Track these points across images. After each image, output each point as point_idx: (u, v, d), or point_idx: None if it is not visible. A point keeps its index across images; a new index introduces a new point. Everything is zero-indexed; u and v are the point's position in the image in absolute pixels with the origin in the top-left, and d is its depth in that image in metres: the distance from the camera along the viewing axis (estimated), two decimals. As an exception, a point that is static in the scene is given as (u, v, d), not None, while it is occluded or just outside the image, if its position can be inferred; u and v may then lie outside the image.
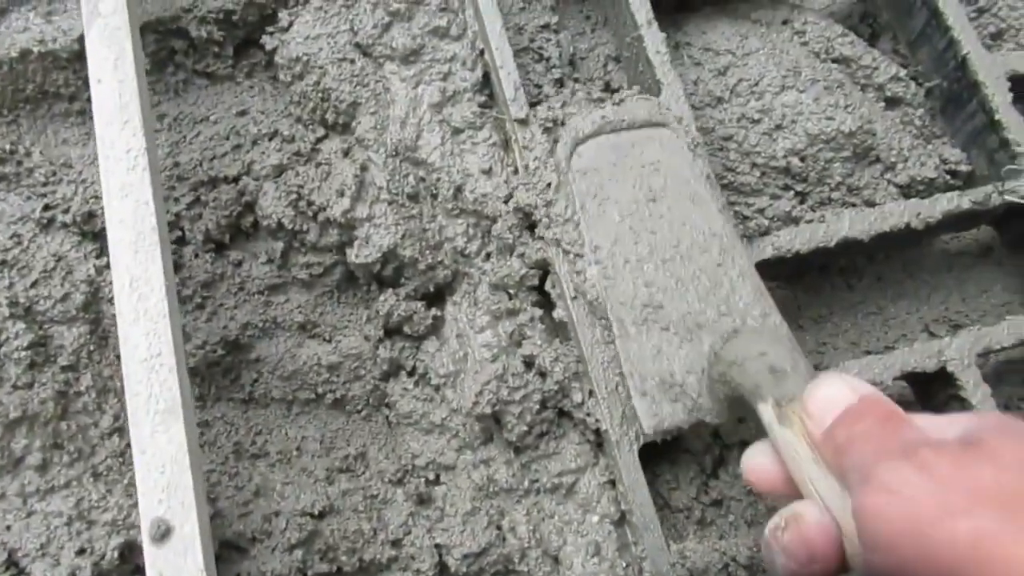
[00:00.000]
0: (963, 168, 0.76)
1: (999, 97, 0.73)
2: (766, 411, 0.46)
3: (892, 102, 0.78)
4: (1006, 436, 0.35)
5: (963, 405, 0.64)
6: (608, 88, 0.77)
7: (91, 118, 0.77)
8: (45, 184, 0.72)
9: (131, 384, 0.56)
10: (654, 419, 0.57)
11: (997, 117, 0.73)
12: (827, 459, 0.41)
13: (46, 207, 0.70)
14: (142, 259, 0.59)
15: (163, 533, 0.52)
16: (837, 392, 0.42)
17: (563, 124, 0.67)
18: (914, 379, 0.66)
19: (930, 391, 0.68)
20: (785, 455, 0.43)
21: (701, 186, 0.64)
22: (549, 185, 0.64)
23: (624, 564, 0.58)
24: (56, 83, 0.76)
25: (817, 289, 0.76)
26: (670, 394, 0.57)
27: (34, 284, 0.65)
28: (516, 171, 0.69)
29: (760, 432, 0.46)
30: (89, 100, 0.76)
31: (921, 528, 0.33)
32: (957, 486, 0.33)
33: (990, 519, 0.32)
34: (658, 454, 0.62)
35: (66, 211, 0.70)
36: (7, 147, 0.73)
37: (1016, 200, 0.66)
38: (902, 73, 0.79)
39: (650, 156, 0.65)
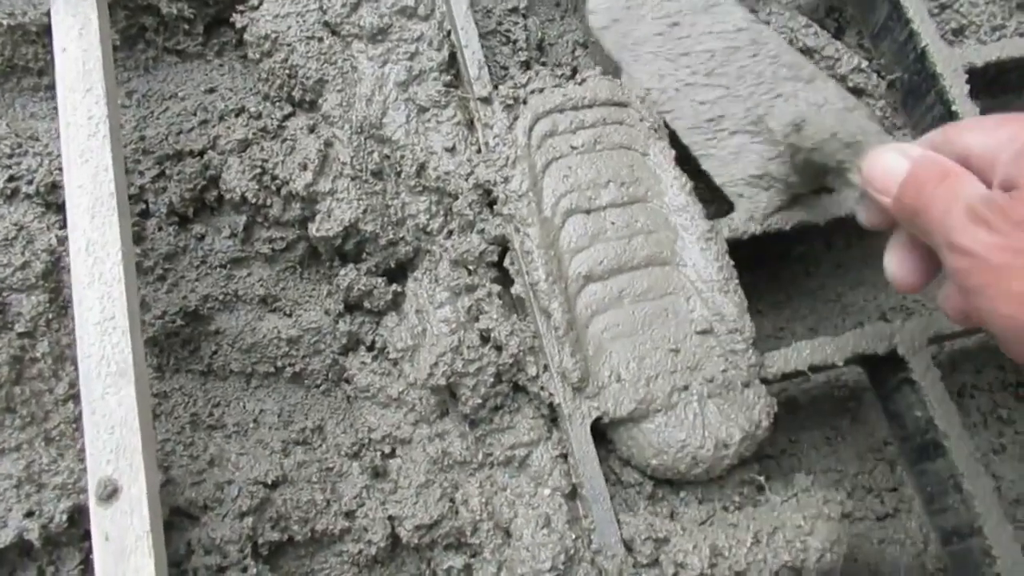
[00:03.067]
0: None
1: (956, 89, 0.74)
2: (857, 178, 0.53)
3: (854, 93, 0.79)
4: None
5: (914, 389, 0.65)
6: (575, 73, 0.78)
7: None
8: (10, 156, 0.72)
9: (83, 346, 0.56)
10: (757, 210, 0.66)
11: (954, 108, 0.74)
12: (904, 224, 0.48)
13: (10, 178, 0.69)
14: (99, 224, 0.59)
15: (110, 493, 0.52)
16: (892, 162, 0.48)
17: (525, 102, 0.68)
18: (866, 361, 0.67)
19: (881, 374, 0.69)
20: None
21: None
22: (507, 160, 0.65)
23: (573, 536, 0.58)
24: (25, 57, 0.76)
25: (776, 275, 0.77)
26: (762, 184, 0.66)
27: (-6, 252, 0.65)
28: (479, 150, 0.69)
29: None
30: (57, 75, 0.77)
31: (997, 271, 0.40)
32: (1015, 230, 0.40)
33: None
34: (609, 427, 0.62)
35: (30, 182, 0.69)
36: (-28, 119, 0.73)
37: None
38: (864, 65, 0.80)
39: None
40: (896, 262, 0.52)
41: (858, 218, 0.54)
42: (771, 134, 0.65)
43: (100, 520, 0.51)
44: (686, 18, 0.70)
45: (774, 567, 0.56)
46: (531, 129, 0.65)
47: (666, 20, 0.70)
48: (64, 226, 0.68)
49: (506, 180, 0.64)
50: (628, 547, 0.58)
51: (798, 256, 0.77)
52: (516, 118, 0.66)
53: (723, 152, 0.67)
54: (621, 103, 0.68)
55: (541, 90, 0.69)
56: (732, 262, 0.64)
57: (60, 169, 0.71)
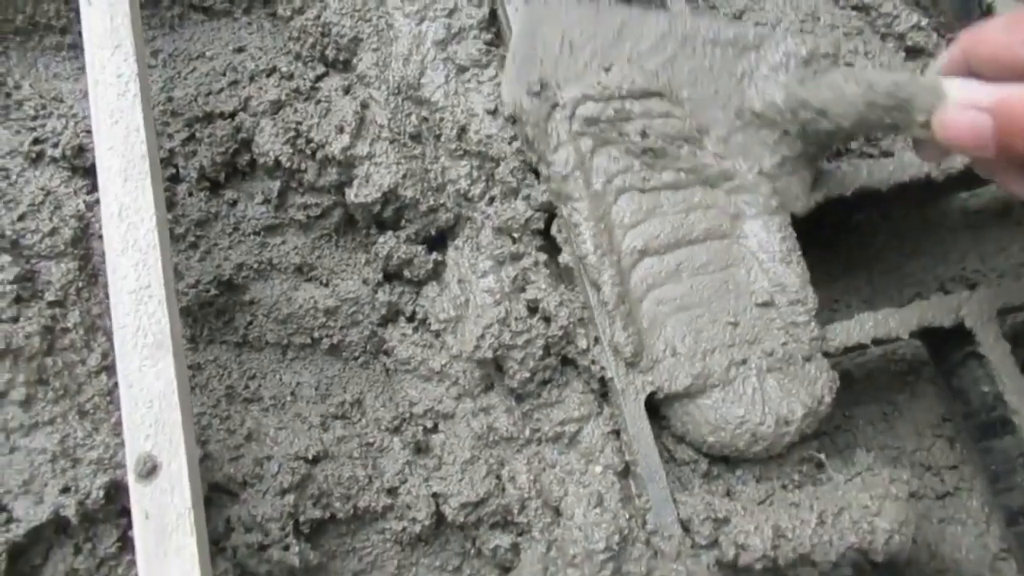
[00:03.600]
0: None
1: None
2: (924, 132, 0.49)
3: (913, 52, 0.76)
4: None
5: (981, 363, 0.62)
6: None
7: (83, 51, 0.75)
8: (35, 118, 0.69)
9: (118, 316, 0.53)
10: (795, 196, 0.62)
11: (1023, 68, 0.70)
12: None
13: (35, 141, 0.67)
14: (131, 188, 0.56)
15: (149, 470, 0.50)
16: (973, 119, 0.46)
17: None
18: (928, 334, 0.64)
19: (944, 348, 0.66)
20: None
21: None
22: (551, 145, 0.61)
23: (627, 516, 0.56)
24: (47, 14, 0.73)
25: (832, 245, 0.74)
26: (784, 170, 0.60)
27: (21, 217, 0.63)
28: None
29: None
30: (81, 33, 0.74)
31: None
32: None
33: None
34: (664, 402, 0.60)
35: (55, 145, 0.67)
36: (-5, 78, 0.70)
37: None
38: (924, 23, 0.76)
39: None
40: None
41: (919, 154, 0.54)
42: (761, 118, 0.59)
43: (140, 498, 0.49)
44: (610, 52, 0.63)
45: (840, 549, 0.53)
46: (572, 116, 0.61)
47: (595, 62, 0.62)
48: (92, 191, 0.66)
49: (550, 163, 0.61)
50: (685, 527, 0.55)
51: (854, 226, 0.74)
52: (554, 105, 0.62)
53: (729, 162, 0.61)
54: (657, 93, 0.63)
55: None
56: (794, 233, 0.61)
57: (87, 131, 0.68)
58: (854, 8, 0.76)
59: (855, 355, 0.69)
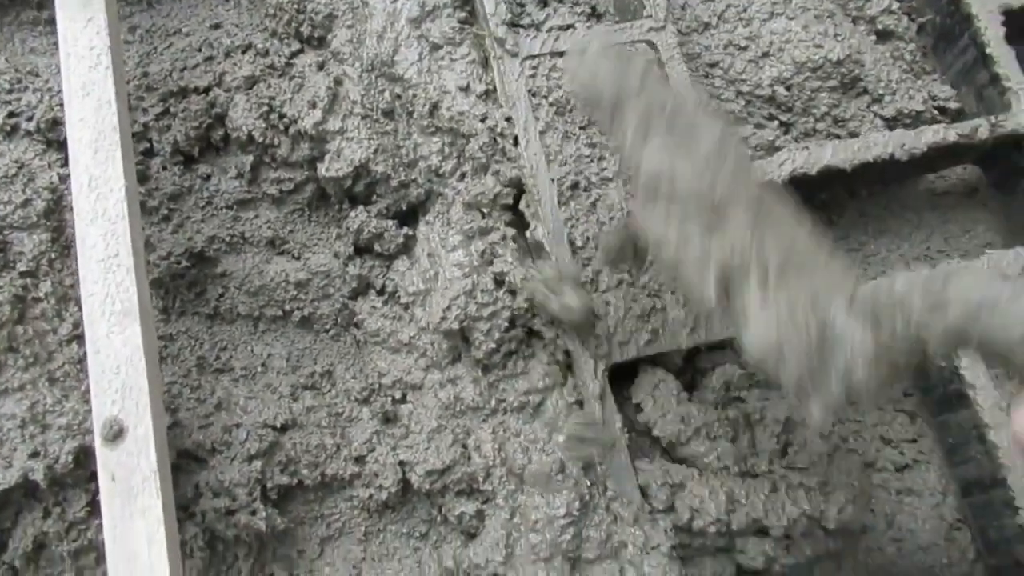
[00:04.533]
0: (952, 105, 0.74)
1: (991, 31, 0.72)
2: None
3: (883, 35, 0.76)
4: None
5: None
6: (594, 11, 0.75)
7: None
8: (10, 92, 0.69)
9: (87, 284, 0.54)
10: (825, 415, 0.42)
11: (988, 51, 0.71)
12: None
13: (10, 114, 0.67)
14: (102, 159, 0.57)
15: (116, 433, 0.51)
16: None
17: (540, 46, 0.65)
18: (891, 311, 0.65)
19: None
20: None
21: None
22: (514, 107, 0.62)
23: (588, 483, 0.57)
24: (23, -11, 0.73)
25: (798, 223, 0.75)
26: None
27: (-6, 189, 0.63)
28: (494, 89, 0.67)
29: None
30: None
31: None
32: None
33: None
34: (627, 376, 0.61)
35: (30, 119, 0.67)
36: (-30, 52, 0.70)
37: None
38: (895, 6, 0.77)
39: None
40: None
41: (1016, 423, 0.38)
42: None
43: (106, 460, 0.50)
44: None
45: (793, 515, 0.55)
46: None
47: None
48: (65, 164, 0.66)
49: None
50: (644, 493, 0.56)
51: (820, 204, 0.75)
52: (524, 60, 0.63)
53: None
54: None
55: (563, 27, 0.66)
56: None
57: (61, 105, 0.68)
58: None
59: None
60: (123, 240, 0.55)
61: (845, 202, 0.75)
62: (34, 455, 0.55)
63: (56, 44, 0.75)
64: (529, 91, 0.65)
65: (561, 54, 0.66)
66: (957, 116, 0.75)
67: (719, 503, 0.54)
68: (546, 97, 0.67)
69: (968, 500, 0.65)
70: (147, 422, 0.51)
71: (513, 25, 0.69)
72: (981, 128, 0.68)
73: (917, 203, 0.76)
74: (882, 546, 0.65)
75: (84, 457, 0.57)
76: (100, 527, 0.57)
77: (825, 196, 0.75)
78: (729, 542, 0.56)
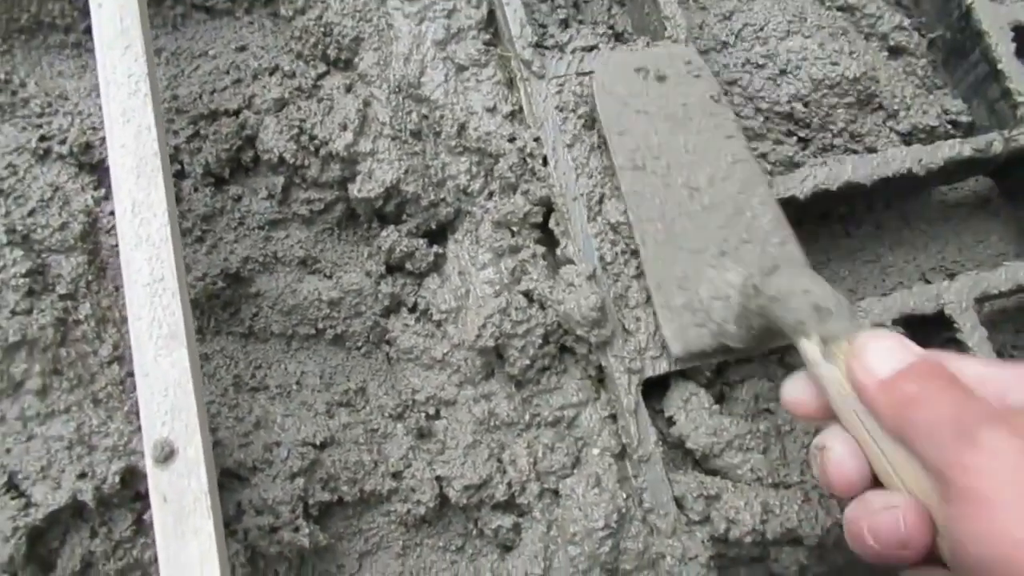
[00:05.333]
0: (964, 119, 0.76)
1: (1002, 47, 0.73)
2: (810, 347, 0.47)
3: (895, 51, 0.78)
4: None
5: (960, 348, 0.65)
6: (613, 31, 0.76)
7: (87, 50, 0.76)
8: (41, 115, 0.71)
9: (133, 308, 0.55)
10: (680, 341, 0.58)
11: (1000, 67, 0.73)
12: (879, 406, 0.42)
13: (42, 138, 0.68)
14: (144, 184, 0.58)
15: (167, 455, 0.52)
16: (896, 346, 0.43)
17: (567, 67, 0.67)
18: (911, 322, 0.67)
19: (926, 335, 0.68)
20: (830, 391, 0.45)
21: (722, 109, 0.65)
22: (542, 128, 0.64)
23: (624, 495, 0.58)
24: (52, 13, 0.74)
25: (816, 236, 0.77)
26: (696, 318, 0.58)
27: (31, 213, 0.64)
28: (520, 109, 0.68)
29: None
30: (85, 31, 0.75)
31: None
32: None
33: None
34: (659, 389, 0.62)
35: (62, 142, 0.68)
36: (1, 77, 0.71)
37: None
38: (906, 23, 0.79)
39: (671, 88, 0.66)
40: (799, 389, 0.48)
41: (784, 394, 0.49)
42: (726, 273, 0.58)
43: (158, 482, 0.51)
44: (691, 124, 0.64)
45: (826, 524, 0.56)
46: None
47: (665, 114, 0.64)
48: (99, 187, 0.68)
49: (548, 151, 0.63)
50: (679, 505, 0.58)
51: (838, 217, 0.77)
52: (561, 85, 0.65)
53: (670, 270, 0.60)
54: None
55: (587, 48, 0.68)
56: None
57: (92, 129, 0.70)
58: (839, 9, 0.79)
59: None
60: (167, 264, 0.56)
61: (862, 216, 0.77)
62: (82, 476, 0.56)
63: (84, 67, 0.77)
64: (556, 107, 0.67)
65: (587, 74, 0.67)
66: (969, 130, 0.76)
67: (754, 513, 0.56)
68: (574, 111, 0.68)
69: (990, 506, 0.66)
70: (196, 443, 0.52)
71: (537, 46, 0.70)
72: (995, 143, 0.70)
73: (931, 215, 0.78)
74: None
75: (130, 477, 0.58)
76: (145, 546, 0.58)
77: (843, 210, 0.76)
78: (763, 551, 0.58)
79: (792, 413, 0.50)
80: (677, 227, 0.61)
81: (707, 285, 0.59)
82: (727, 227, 0.61)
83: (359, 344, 0.69)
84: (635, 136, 0.64)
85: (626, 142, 0.63)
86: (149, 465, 0.52)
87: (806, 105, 0.73)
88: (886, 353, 0.43)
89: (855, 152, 0.74)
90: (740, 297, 0.56)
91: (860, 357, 0.43)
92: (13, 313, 0.60)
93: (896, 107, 0.74)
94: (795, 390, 0.48)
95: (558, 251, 0.64)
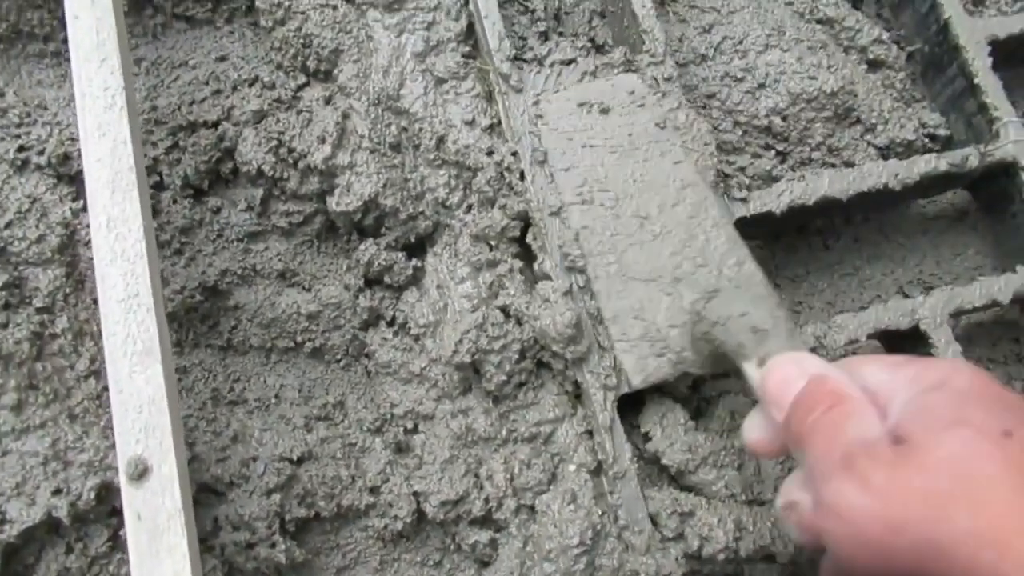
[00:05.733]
0: (941, 132, 0.77)
1: (979, 61, 0.74)
2: (751, 369, 0.48)
3: (874, 64, 0.79)
4: (930, 433, 0.37)
5: (934, 363, 0.66)
6: (593, 43, 0.77)
7: (66, 59, 0.75)
8: (19, 125, 0.70)
9: (108, 324, 0.55)
10: (641, 373, 0.59)
11: (976, 81, 0.73)
12: (791, 445, 0.43)
13: (20, 148, 0.68)
14: (119, 199, 0.58)
15: (140, 472, 0.52)
16: (790, 373, 0.44)
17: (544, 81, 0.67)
18: (887, 337, 0.67)
19: (902, 349, 0.69)
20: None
21: (668, 136, 0.65)
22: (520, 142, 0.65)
23: (600, 512, 0.58)
24: (31, 22, 0.74)
25: (794, 249, 0.77)
26: (655, 348, 0.58)
27: (8, 225, 0.64)
28: (498, 122, 0.68)
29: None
30: (64, 41, 0.75)
31: (868, 544, 0.36)
32: (892, 499, 0.36)
33: (926, 527, 0.35)
34: (635, 405, 0.62)
35: (41, 153, 0.68)
36: (-21, 87, 0.71)
37: None
38: (885, 36, 0.79)
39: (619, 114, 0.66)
40: (756, 426, 0.48)
41: (743, 430, 0.48)
42: (681, 300, 0.58)
43: (132, 500, 0.51)
44: (637, 152, 0.64)
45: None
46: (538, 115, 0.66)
47: (611, 146, 0.64)
48: (77, 198, 0.68)
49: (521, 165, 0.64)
50: (654, 522, 0.58)
51: (816, 229, 0.77)
52: (534, 101, 0.66)
53: (626, 301, 0.60)
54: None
55: (565, 62, 0.68)
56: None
57: (71, 139, 0.70)
58: (818, 22, 0.79)
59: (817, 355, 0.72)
60: (143, 279, 0.56)
61: (840, 229, 0.77)
62: (57, 492, 0.56)
63: (63, 76, 0.77)
64: (533, 118, 0.67)
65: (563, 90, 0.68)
66: (947, 143, 0.77)
67: (728, 531, 0.56)
68: (547, 123, 0.67)
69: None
70: (171, 460, 0.52)
71: (516, 59, 0.70)
72: (971, 157, 0.70)
73: (909, 227, 0.79)
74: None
75: (106, 493, 0.58)
76: (121, 562, 0.58)
77: (821, 223, 0.77)
78: (737, 568, 0.58)
79: (756, 455, 0.50)
80: (629, 258, 0.61)
81: (663, 314, 0.59)
82: (680, 253, 0.61)
83: (338, 357, 0.69)
84: (581, 171, 0.64)
85: (572, 178, 0.63)
86: (123, 483, 0.52)
87: (784, 119, 0.73)
88: (783, 385, 0.44)
89: (833, 166, 0.74)
90: (691, 323, 0.56)
91: (765, 390, 0.45)
92: (-12, 327, 0.60)
93: (874, 121, 0.74)
94: (753, 429, 0.48)
95: (535, 266, 0.64)
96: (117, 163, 0.59)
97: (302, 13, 0.71)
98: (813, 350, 0.63)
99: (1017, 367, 0.75)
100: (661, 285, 0.60)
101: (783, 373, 0.45)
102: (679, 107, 0.67)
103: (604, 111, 0.66)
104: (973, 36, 0.75)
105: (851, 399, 0.41)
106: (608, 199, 0.63)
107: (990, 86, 0.73)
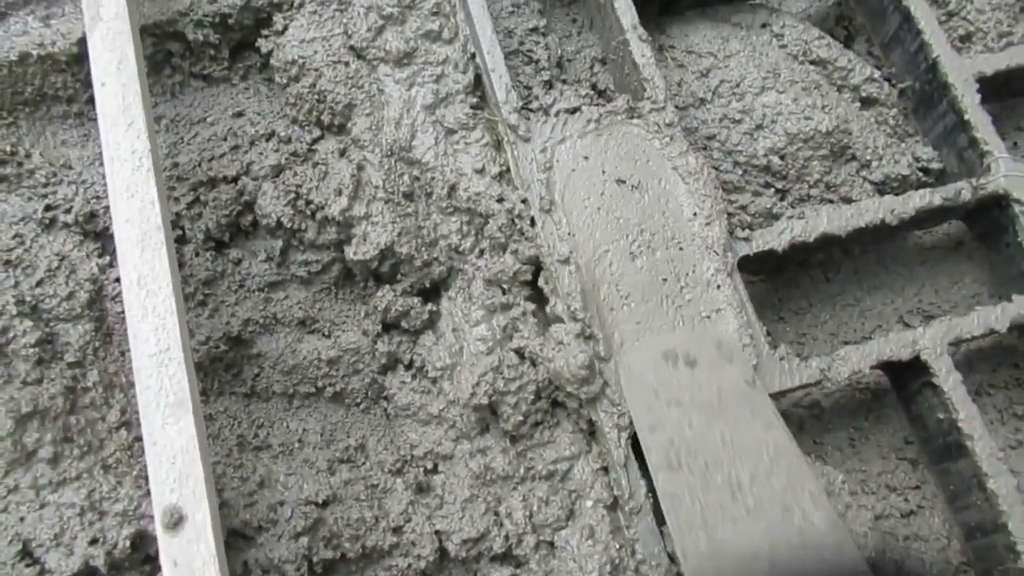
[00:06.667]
0: (935, 166, 0.79)
1: (968, 98, 0.77)
2: None
3: (867, 102, 0.81)
4: None
5: (935, 392, 0.68)
6: (595, 89, 0.80)
7: (89, 119, 0.79)
8: (46, 185, 0.73)
9: (141, 378, 0.58)
10: None
11: (966, 117, 0.76)
12: None
13: (47, 207, 0.71)
14: (149, 257, 0.61)
15: (176, 521, 0.54)
16: None
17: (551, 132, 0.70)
18: (889, 367, 0.69)
19: (904, 378, 0.71)
20: None
21: (758, 396, 0.61)
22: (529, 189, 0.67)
23: (617, 546, 0.60)
24: (55, 86, 0.77)
25: (796, 283, 0.79)
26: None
27: (39, 283, 0.67)
28: (508, 170, 0.71)
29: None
30: (88, 102, 0.78)
31: None
32: None
33: None
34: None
35: (67, 211, 0.71)
36: (7, 149, 0.74)
37: None
38: (876, 74, 0.82)
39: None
40: None
41: None
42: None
43: (168, 547, 0.53)
44: (728, 411, 0.60)
45: None
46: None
47: (703, 400, 0.60)
48: (103, 254, 0.70)
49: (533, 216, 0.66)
50: (671, 558, 0.60)
51: (817, 263, 0.80)
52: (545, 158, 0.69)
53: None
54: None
55: (570, 111, 0.71)
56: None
57: (96, 197, 0.72)
58: (812, 63, 0.82)
59: (822, 386, 0.74)
60: (173, 334, 0.59)
61: (840, 261, 0.80)
62: (94, 542, 0.59)
63: (87, 136, 0.80)
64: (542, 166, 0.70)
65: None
66: (940, 176, 0.79)
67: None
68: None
69: (972, 543, 0.69)
70: (204, 508, 0.55)
71: (523, 108, 0.73)
72: (964, 191, 0.73)
73: (907, 258, 0.81)
74: (892, 590, 0.69)
75: (140, 541, 0.60)
76: (155, 608, 0.60)
77: (821, 257, 0.79)
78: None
79: None
80: (720, 534, 0.55)
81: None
82: (775, 532, 0.55)
83: (358, 401, 0.72)
84: (668, 430, 0.59)
85: (659, 438, 0.59)
86: (159, 531, 0.54)
87: (782, 158, 0.76)
88: None
89: (831, 202, 0.77)
90: None
91: None
92: (24, 383, 0.62)
93: (869, 157, 0.77)
94: None
95: (548, 309, 0.67)
96: (146, 223, 0.62)
97: (315, 70, 0.74)
98: (818, 383, 0.66)
99: (1018, 391, 0.77)
100: (754, 570, 0.54)
101: None
102: (687, 151, 0.70)
103: (690, 363, 0.61)
104: (961, 74, 0.77)
105: None
106: (698, 465, 0.58)
107: (980, 121, 0.76)
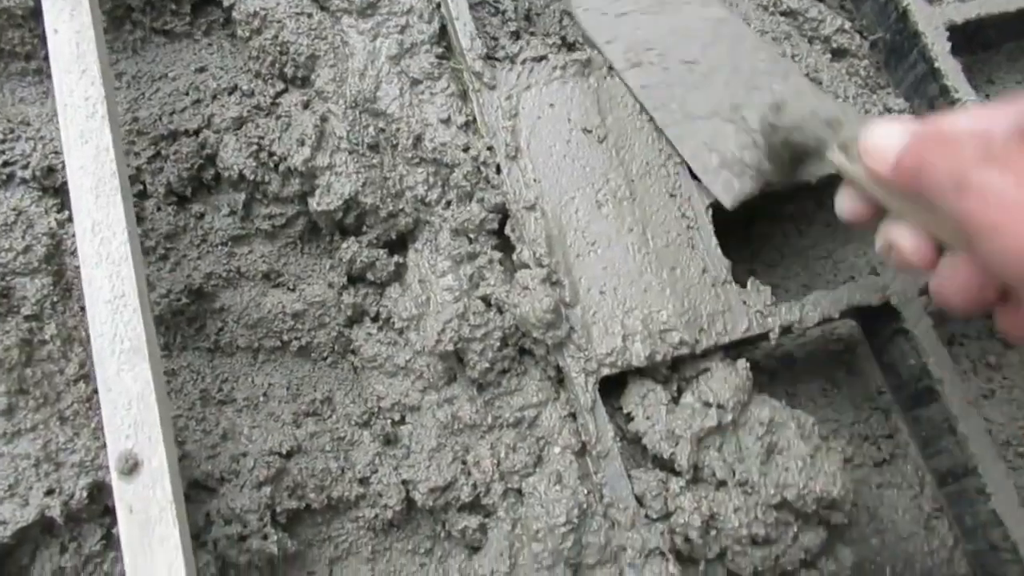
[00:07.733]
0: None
1: (938, 47, 0.76)
2: (836, 156, 0.53)
3: (838, 53, 0.81)
4: None
5: (907, 338, 0.67)
6: (564, 41, 0.78)
7: (48, 76, 0.77)
8: (3, 141, 0.71)
9: (96, 325, 0.56)
10: (730, 193, 0.66)
11: (937, 66, 0.76)
12: (896, 188, 0.48)
13: (4, 163, 0.69)
14: (103, 203, 0.59)
15: (131, 467, 0.53)
16: (893, 131, 0.48)
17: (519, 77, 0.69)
18: (860, 313, 0.69)
19: (875, 325, 0.71)
20: (866, 187, 0.52)
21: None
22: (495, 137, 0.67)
23: (585, 491, 0.60)
24: (12, 41, 0.75)
25: (769, 236, 0.79)
26: (735, 170, 0.65)
27: (-6, 237, 0.65)
28: (473, 119, 0.70)
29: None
30: (45, 58, 0.76)
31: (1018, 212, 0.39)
32: None
33: None
34: (617, 387, 0.64)
35: (25, 167, 0.69)
36: (-37, 105, 0.72)
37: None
38: (847, 25, 0.81)
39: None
40: (848, 199, 0.55)
41: (837, 207, 0.56)
42: (745, 123, 0.65)
43: (123, 493, 0.52)
44: (668, 5, 0.72)
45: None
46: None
47: (642, 9, 0.72)
48: (62, 209, 0.69)
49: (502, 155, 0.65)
50: (639, 501, 0.59)
51: (789, 215, 0.79)
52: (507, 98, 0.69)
53: (697, 139, 0.67)
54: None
55: (536, 59, 0.70)
56: None
57: (55, 153, 0.71)
58: (782, 14, 0.81)
59: (795, 337, 0.74)
60: (128, 281, 0.58)
61: (813, 213, 0.79)
62: (50, 492, 0.57)
63: (45, 93, 0.78)
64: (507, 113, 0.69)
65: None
66: (912, 127, 0.79)
67: (703, 513, 0.57)
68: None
69: (944, 490, 0.68)
70: (160, 454, 0.53)
71: (488, 58, 0.72)
72: (934, 138, 0.72)
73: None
74: (865, 538, 0.68)
75: (98, 492, 0.58)
76: (115, 560, 0.59)
77: (793, 208, 0.79)
78: (721, 550, 0.59)
79: (852, 225, 0.55)
80: (688, 101, 0.67)
81: (732, 140, 0.65)
82: (731, 84, 0.67)
83: (324, 355, 0.71)
84: (623, 39, 0.71)
85: (616, 47, 0.70)
86: (114, 477, 0.53)
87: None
88: (885, 141, 0.48)
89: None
90: (764, 138, 0.61)
91: (867, 153, 0.49)
92: (-23, 335, 0.61)
93: (840, 107, 0.76)
94: (843, 203, 0.55)
95: (514, 256, 0.66)
96: (100, 169, 0.60)
97: (278, 22, 0.73)
98: (788, 329, 0.65)
99: (991, 342, 0.76)
100: (723, 116, 0.66)
101: (885, 131, 0.48)
102: None
103: None
104: (931, 22, 0.77)
105: (960, 135, 0.44)
106: (654, 56, 0.69)
107: (950, 70, 0.75)
